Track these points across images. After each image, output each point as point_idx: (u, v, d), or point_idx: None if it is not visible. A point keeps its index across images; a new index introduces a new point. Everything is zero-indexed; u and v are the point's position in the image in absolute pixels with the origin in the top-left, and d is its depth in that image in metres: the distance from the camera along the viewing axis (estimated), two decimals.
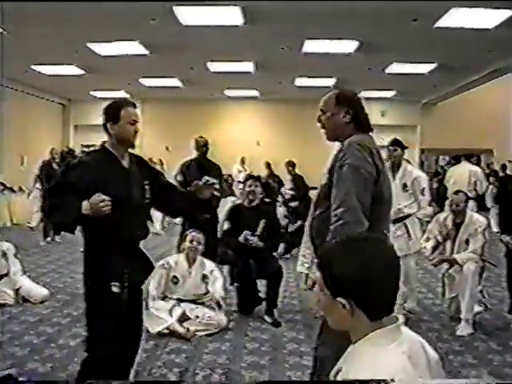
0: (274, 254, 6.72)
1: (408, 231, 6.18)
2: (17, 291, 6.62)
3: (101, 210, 3.21)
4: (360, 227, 2.78)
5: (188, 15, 9.33)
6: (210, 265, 5.82)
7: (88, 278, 3.51)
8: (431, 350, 1.72)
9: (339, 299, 1.61)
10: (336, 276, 1.63)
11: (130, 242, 3.56)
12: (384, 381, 1.45)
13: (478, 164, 19.55)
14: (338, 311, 1.63)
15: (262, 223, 6.14)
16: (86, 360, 3.59)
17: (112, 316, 3.40)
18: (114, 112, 3.54)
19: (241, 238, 6.08)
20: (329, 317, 1.71)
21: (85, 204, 3.23)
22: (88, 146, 16.90)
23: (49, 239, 11.38)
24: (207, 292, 5.72)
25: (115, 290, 3.36)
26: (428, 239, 6.18)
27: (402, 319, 1.68)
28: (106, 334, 3.42)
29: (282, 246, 8.78)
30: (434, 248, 6.07)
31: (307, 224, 3.29)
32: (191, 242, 5.70)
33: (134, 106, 3.66)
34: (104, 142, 3.63)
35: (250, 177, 6.86)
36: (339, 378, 1.58)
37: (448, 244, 6.02)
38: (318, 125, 3.20)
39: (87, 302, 3.54)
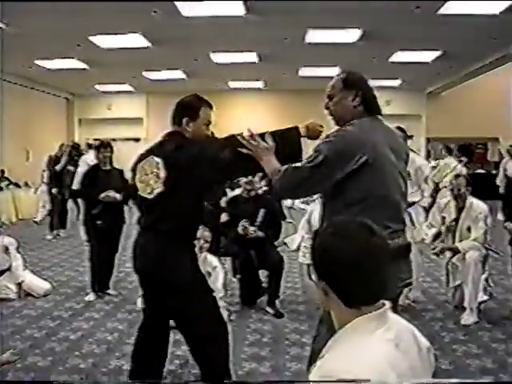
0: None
1: (412, 220, 6.15)
2: (19, 285, 6.61)
3: None
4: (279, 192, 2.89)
5: (189, 6, 9.30)
6: (212, 261, 5.75)
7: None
8: (422, 338, 1.68)
9: (313, 277, 1.61)
10: (314, 256, 1.62)
11: None
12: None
13: (485, 152, 19.57)
14: (319, 288, 1.62)
15: (261, 213, 6.08)
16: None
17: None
18: (193, 109, 3.46)
19: (239, 229, 6.03)
20: (318, 296, 1.67)
21: None
22: (93, 140, 16.90)
23: (55, 232, 11.36)
24: None
25: None
26: (431, 226, 6.12)
27: (388, 304, 1.61)
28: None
29: None
30: (436, 236, 6.01)
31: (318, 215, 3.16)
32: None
33: (211, 107, 3.55)
34: (174, 132, 3.52)
35: None
36: (317, 365, 1.53)
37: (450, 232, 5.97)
38: (326, 112, 3.06)
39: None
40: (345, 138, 2.82)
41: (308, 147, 3.09)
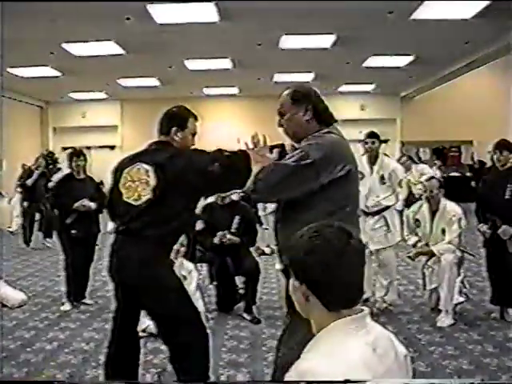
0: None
1: (387, 223, 6.19)
2: None
3: None
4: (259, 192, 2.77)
5: (163, 13, 9.26)
6: (189, 265, 5.74)
7: None
8: (399, 345, 1.69)
9: (295, 282, 1.61)
10: (292, 260, 1.63)
11: None
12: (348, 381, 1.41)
13: (459, 155, 19.76)
14: (297, 295, 1.63)
15: (236, 220, 6.08)
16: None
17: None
18: (182, 119, 3.55)
19: (216, 240, 6.03)
20: (294, 300, 1.67)
21: None
22: (67, 149, 16.78)
23: (32, 244, 11.25)
24: None
25: None
26: (409, 232, 6.17)
27: (367, 310, 1.63)
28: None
29: None
30: (415, 244, 6.06)
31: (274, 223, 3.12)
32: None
33: (197, 118, 3.64)
34: (162, 141, 3.56)
35: None
36: (294, 365, 1.53)
37: (423, 235, 6.02)
38: (280, 130, 3.04)
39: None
40: (333, 145, 2.81)
41: None
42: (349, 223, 2.60)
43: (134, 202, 3.39)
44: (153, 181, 3.33)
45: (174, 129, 3.50)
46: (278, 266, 6.91)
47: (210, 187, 3.60)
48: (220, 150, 3.42)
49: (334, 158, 2.76)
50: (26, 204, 11.32)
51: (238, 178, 3.13)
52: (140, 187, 3.37)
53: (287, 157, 2.86)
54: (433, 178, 6.30)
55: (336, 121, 3.03)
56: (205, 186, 3.44)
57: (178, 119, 3.55)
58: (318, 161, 2.71)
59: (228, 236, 6.02)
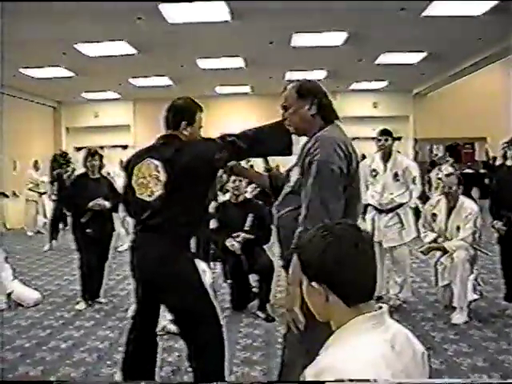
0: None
1: (401, 221, 6.18)
2: (8, 296, 6.58)
3: None
4: None
5: (174, 13, 9.27)
6: (201, 265, 5.74)
7: None
8: (417, 342, 1.69)
9: (314, 284, 1.60)
10: (308, 261, 1.63)
11: None
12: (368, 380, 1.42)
13: (473, 152, 19.66)
14: (315, 297, 1.62)
15: (250, 218, 6.09)
16: None
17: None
18: (191, 113, 3.54)
19: (228, 243, 6.04)
20: (310, 305, 1.68)
21: None
22: (80, 149, 16.86)
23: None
24: None
25: None
26: (425, 228, 6.15)
27: (386, 307, 1.64)
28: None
29: None
30: (434, 241, 6.03)
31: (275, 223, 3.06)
32: None
33: (202, 110, 3.63)
34: (170, 135, 3.56)
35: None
36: (313, 362, 1.54)
37: (439, 229, 6.00)
38: (286, 123, 3.03)
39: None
40: (340, 143, 2.76)
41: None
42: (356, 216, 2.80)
43: (147, 199, 3.41)
44: (163, 176, 3.34)
45: (183, 123, 3.49)
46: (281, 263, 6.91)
47: (217, 171, 3.61)
48: (224, 136, 3.43)
49: (346, 158, 2.74)
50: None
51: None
52: (152, 183, 3.39)
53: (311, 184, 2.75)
54: (452, 174, 6.29)
55: (338, 117, 2.98)
56: (214, 173, 3.51)
57: (186, 113, 3.53)
58: (339, 167, 2.70)
59: (242, 235, 6.03)
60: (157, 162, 3.38)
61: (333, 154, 2.69)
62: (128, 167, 3.58)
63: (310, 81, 3.05)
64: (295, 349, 2.83)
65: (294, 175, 2.87)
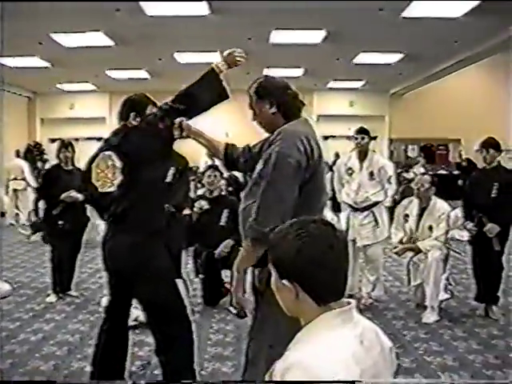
0: None
1: (375, 219, 6.21)
2: None
3: None
4: (266, 225, 2.59)
5: (153, 5, 9.20)
6: None
7: None
8: (384, 338, 1.69)
9: (284, 282, 1.58)
10: (279, 258, 1.61)
11: None
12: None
13: (447, 153, 19.84)
14: (285, 294, 1.61)
15: (225, 213, 6.08)
16: None
17: None
18: (141, 106, 3.62)
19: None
20: (279, 299, 1.66)
21: None
22: (55, 140, 16.69)
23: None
24: None
25: None
26: (396, 229, 6.18)
27: (354, 303, 1.64)
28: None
29: None
30: (401, 241, 6.07)
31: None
32: None
33: (157, 106, 3.64)
34: (119, 128, 3.67)
35: (209, 167, 6.78)
36: (283, 357, 1.53)
37: (410, 230, 6.04)
38: (255, 123, 3.07)
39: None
40: (302, 136, 2.78)
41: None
42: (319, 211, 2.79)
43: (110, 189, 3.43)
44: (118, 163, 3.38)
45: (132, 114, 3.58)
46: None
47: (169, 142, 3.57)
48: (160, 107, 3.45)
49: (306, 152, 2.74)
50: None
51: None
52: (109, 173, 3.42)
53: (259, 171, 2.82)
54: (425, 173, 6.35)
55: (301, 115, 2.99)
56: (166, 147, 3.52)
57: (137, 105, 3.62)
58: (299, 160, 2.70)
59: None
60: (108, 152, 3.43)
61: (292, 147, 2.71)
62: (89, 168, 3.58)
63: (268, 78, 3.06)
64: (259, 344, 2.88)
65: (259, 166, 2.85)
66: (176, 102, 3.38)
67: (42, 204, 6.83)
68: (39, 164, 14.28)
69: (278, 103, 2.92)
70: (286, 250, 1.59)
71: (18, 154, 14.08)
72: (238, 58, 3.39)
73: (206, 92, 3.37)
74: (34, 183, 12.91)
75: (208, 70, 3.37)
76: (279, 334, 2.56)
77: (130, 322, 4.02)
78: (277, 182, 2.69)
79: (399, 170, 14.18)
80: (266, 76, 3.09)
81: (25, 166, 13.85)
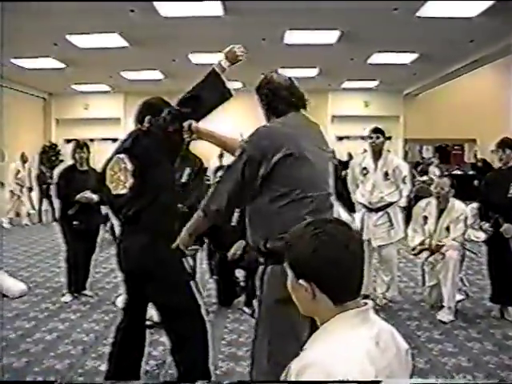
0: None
1: (390, 220, 6.18)
2: None
3: None
4: (210, 204, 2.94)
5: (167, 7, 9.24)
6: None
7: None
8: (401, 339, 1.69)
9: (301, 282, 1.58)
10: (295, 258, 1.61)
11: None
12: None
13: (462, 154, 19.74)
14: (301, 293, 1.61)
15: (236, 214, 6.08)
16: None
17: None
18: (156, 109, 3.59)
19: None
20: (295, 299, 1.66)
21: None
22: (71, 141, 16.77)
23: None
24: None
25: None
26: (414, 230, 6.15)
27: (370, 304, 1.64)
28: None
29: None
30: (421, 244, 6.04)
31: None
32: None
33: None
34: (134, 131, 3.72)
35: (218, 168, 6.80)
36: (299, 357, 1.54)
37: (428, 230, 6.02)
38: None
39: None
40: (268, 132, 2.94)
41: None
42: (302, 207, 2.84)
43: (122, 192, 3.48)
44: (130, 166, 3.43)
45: (147, 118, 3.59)
46: None
47: (178, 146, 3.66)
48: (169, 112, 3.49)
49: (269, 146, 2.86)
50: None
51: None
52: (122, 176, 3.47)
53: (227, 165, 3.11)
54: (445, 176, 6.31)
55: (287, 112, 3.06)
56: (176, 150, 3.62)
57: (152, 109, 3.63)
58: (254, 154, 2.86)
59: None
60: (121, 155, 3.48)
61: (249, 143, 2.93)
62: (104, 170, 3.64)
63: (267, 77, 3.17)
64: (260, 341, 2.96)
65: None
66: (181, 105, 3.41)
67: (57, 204, 6.86)
68: (43, 168, 14.35)
69: (266, 101, 3.10)
70: (302, 249, 1.59)
71: (22, 158, 14.20)
72: (239, 53, 3.44)
73: (209, 93, 3.42)
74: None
75: (210, 71, 3.44)
76: (276, 330, 2.84)
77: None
78: (228, 171, 2.98)
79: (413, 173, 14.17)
80: (267, 74, 3.19)
81: (20, 166, 13.99)
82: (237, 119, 18.95)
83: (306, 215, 2.72)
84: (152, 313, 4.73)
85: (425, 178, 13.27)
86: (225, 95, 3.46)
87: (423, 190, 11.34)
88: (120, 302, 5.58)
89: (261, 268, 2.94)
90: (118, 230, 3.87)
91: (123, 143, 3.64)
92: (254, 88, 3.17)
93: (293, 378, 1.49)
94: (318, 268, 1.56)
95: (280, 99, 3.05)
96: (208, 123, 3.54)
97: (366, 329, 1.56)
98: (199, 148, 4.37)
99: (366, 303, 1.63)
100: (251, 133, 2.96)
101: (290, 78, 3.15)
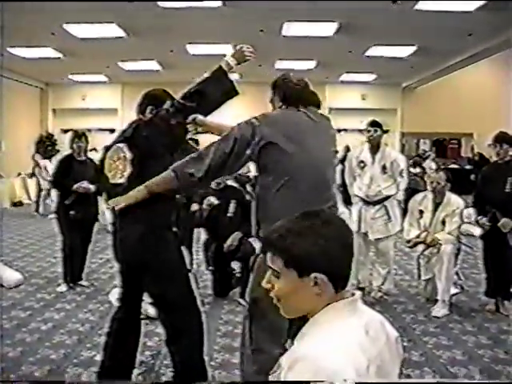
0: None
1: (387, 213, 6.18)
2: None
3: None
4: (174, 173, 3.12)
5: None
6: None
7: None
8: (390, 328, 1.68)
9: (314, 275, 1.54)
10: (298, 255, 1.56)
11: None
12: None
13: (459, 148, 19.75)
14: (305, 290, 1.57)
15: (232, 204, 6.09)
16: None
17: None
18: (159, 100, 3.62)
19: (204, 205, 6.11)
20: (291, 301, 1.62)
21: None
22: (68, 131, 16.73)
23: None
24: None
25: None
26: (410, 224, 6.15)
27: (358, 293, 1.64)
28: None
29: None
30: (417, 237, 6.04)
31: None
32: None
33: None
34: (135, 120, 3.71)
35: None
36: (290, 350, 1.54)
37: (424, 225, 6.02)
38: None
39: None
40: (267, 118, 3.12)
41: None
42: (289, 197, 3.00)
43: (120, 181, 3.46)
44: (128, 154, 3.42)
45: (149, 108, 3.60)
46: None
47: (175, 140, 3.63)
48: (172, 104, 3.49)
49: (258, 130, 3.03)
50: None
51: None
52: (121, 165, 3.46)
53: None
54: (441, 170, 6.31)
55: (300, 108, 3.22)
56: (176, 143, 3.59)
57: (154, 99, 3.64)
58: (245, 135, 3.04)
59: (211, 199, 6.10)
60: (121, 144, 3.48)
61: (250, 121, 3.08)
62: (102, 159, 3.65)
63: (283, 75, 3.39)
64: (244, 336, 3.14)
65: None
66: (186, 99, 3.39)
67: (54, 193, 6.85)
68: (37, 156, 14.32)
69: (283, 96, 3.24)
70: (308, 243, 1.57)
71: None
72: (247, 54, 3.42)
73: (215, 90, 3.39)
74: None
75: (216, 67, 3.40)
76: (260, 327, 3.05)
77: None
78: (218, 142, 3.11)
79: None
80: (284, 73, 3.41)
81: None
82: (234, 109, 18.84)
83: (295, 205, 2.67)
84: (146, 307, 4.75)
85: (417, 170, 13.28)
86: (230, 93, 3.44)
87: (415, 183, 11.35)
88: (113, 295, 5.56)
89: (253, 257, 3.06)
90: (109, 219, 3.86)
91: (123, 132, 3.61)
92: (270, 84, 3.33)
93: (285, 372, 1.49)
94: (323, 255, 1.55)
95: (295, 96, 3.22)
96: (211, 117, 3.56)
97: (355, 318, 1.57)
98: (203, 143, 4.36)
99: (353, 293, 1.63)
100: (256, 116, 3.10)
101: (303, 79, 3.33)
